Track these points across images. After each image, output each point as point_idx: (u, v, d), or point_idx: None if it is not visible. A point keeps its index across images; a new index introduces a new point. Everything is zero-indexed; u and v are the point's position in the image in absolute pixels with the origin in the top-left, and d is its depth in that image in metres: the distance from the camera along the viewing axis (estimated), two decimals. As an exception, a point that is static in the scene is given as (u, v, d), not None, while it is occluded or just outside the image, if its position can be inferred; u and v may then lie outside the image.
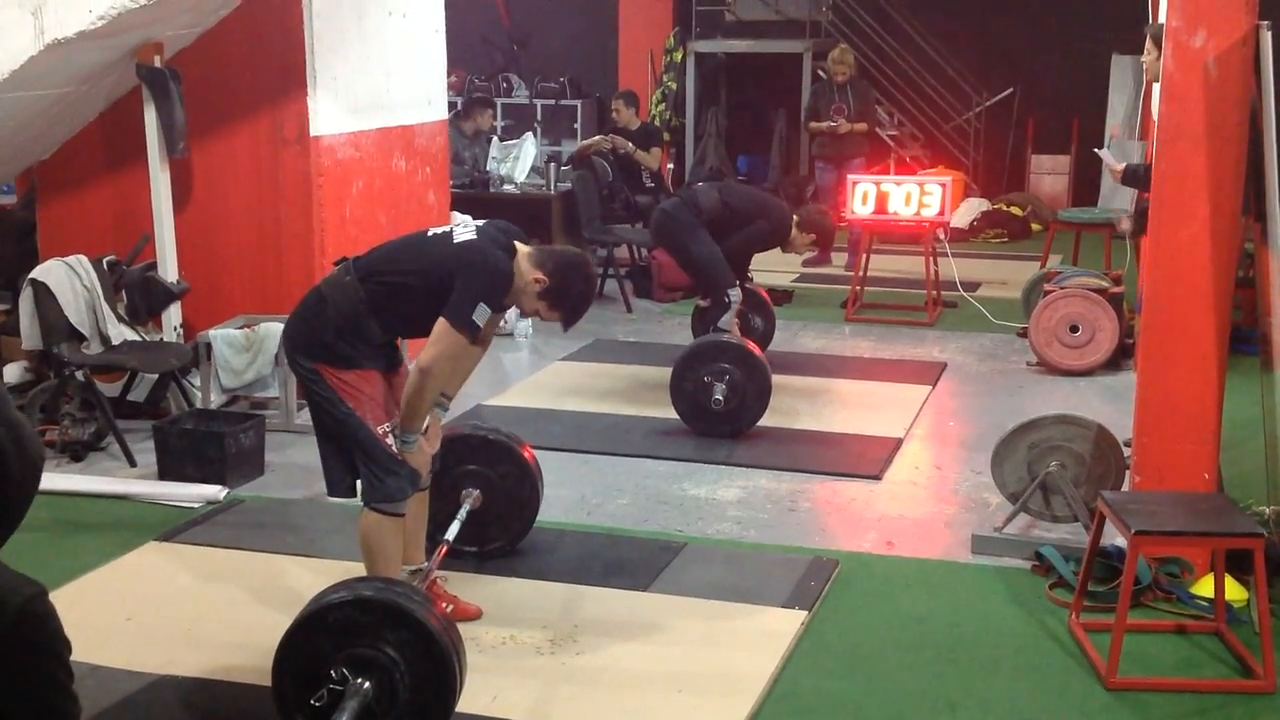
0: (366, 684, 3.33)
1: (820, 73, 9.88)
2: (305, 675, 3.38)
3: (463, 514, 4.51)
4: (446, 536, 4.34)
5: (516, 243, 4.13)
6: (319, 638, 3.39)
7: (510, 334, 8.53)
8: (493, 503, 4.73)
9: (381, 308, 4.05)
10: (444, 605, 4.36)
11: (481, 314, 3.95)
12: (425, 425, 4.16)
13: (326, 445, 4.17)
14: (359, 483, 4.13)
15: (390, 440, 4.06)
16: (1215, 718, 3.90)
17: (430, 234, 4.23)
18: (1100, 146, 9.52)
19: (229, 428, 5.82)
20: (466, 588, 4.58)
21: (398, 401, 4.12)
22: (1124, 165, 6.72)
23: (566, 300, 4.11)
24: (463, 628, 4.27)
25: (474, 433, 4.83)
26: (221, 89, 6.73)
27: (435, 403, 4.19)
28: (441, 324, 3.95)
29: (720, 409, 6.38)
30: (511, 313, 8.60)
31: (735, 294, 7.07)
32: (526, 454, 4.84)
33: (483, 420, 4.91)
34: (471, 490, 4.68)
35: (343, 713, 3.28)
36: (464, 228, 4.14)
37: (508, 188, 9.84)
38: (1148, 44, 6.40)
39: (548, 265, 4.07)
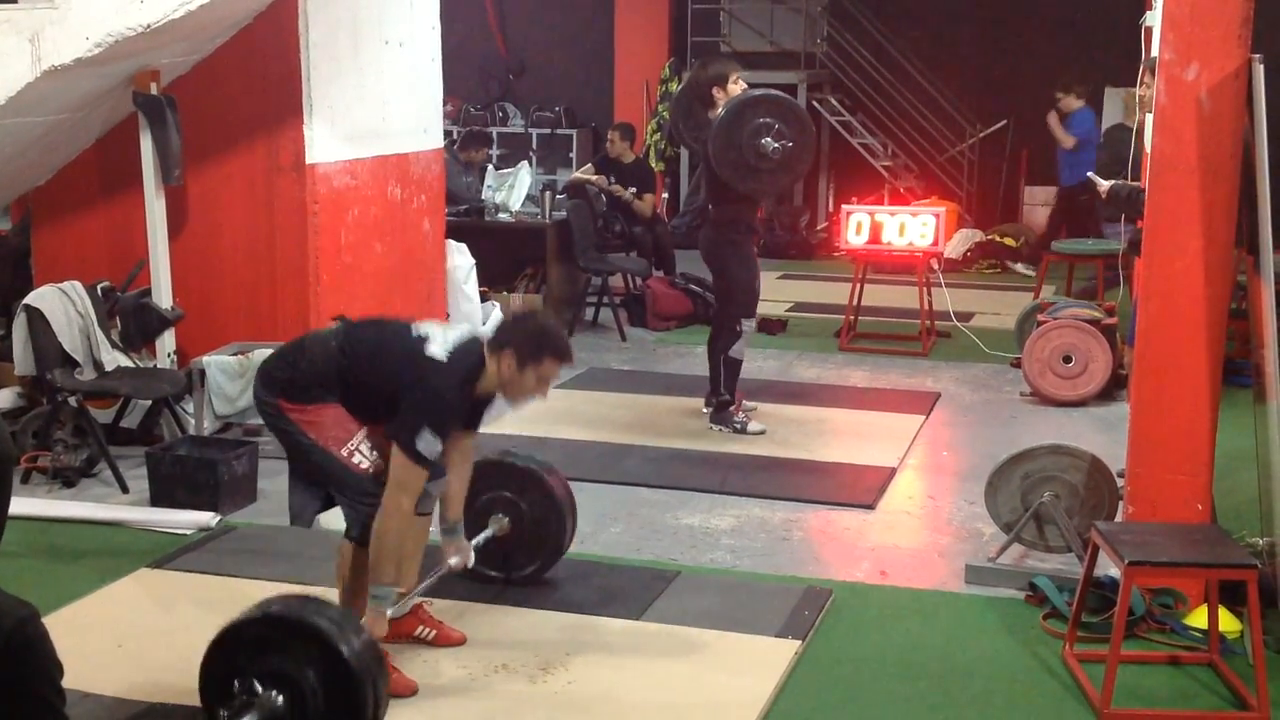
0: (280, 698, 3.25)
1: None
2: (223, 691, 3.30)
3: (480, 540, 4.53)
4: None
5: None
6: (236, 654, 3.33)
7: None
8: (520, 531, 4.73)
9: (347, 386, 4.03)
10: (426, 630, 4.36)
11: (427, 444, 3.82)
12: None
13: (292, 477, 4.28)
14: (320, 516, 4.13)
15: (356, 458, 4.03)
16: (1209, 749, 3.90)
17: (413, 334, 4.04)
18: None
19: (222, 454, 5.82)
20: (459, 615, 4.57)
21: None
22: (1110, 184, 6.73)
23: (538, 348, 3.94)
24: (456, 655, 4.29)
25: (504, 459, 4.83)
26: (217, 116, 6.74)
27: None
28: (396, 454, 3.86)
29: (777, 158, 6.71)
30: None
31: (749, 324, 7.14)
32: (556, 483, 4.82)
33: (514, 450, 4.92)
34: (500, 516, 4.70)
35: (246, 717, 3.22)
36: (440, 339, 3.99)
37: (503, 216, 9.85)
38: (1144, 75, 6.40)
39: (505, 344, 3.95)
